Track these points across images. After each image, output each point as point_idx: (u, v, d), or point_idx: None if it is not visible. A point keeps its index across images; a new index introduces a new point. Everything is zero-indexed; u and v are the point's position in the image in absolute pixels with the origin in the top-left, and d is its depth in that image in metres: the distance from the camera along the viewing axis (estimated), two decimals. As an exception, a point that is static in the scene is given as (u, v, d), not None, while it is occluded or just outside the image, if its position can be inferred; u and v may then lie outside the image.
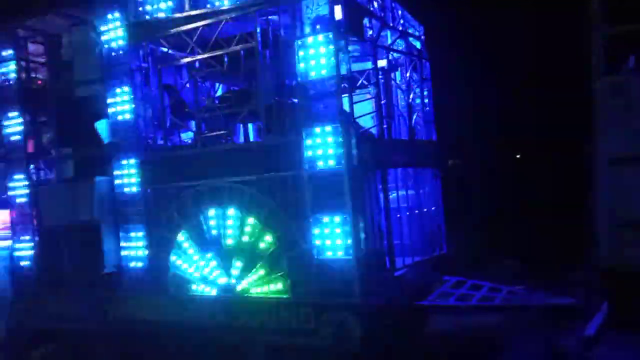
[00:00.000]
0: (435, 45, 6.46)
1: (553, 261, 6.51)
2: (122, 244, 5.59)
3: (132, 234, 5.55)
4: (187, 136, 5.98)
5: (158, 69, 5.58)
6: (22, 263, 6.24)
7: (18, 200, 6.28)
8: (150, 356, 5.67)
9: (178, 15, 5.33)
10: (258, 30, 4.92)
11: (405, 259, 5.42)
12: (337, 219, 4.53)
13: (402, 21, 6.31)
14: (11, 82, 6.34)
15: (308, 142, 4.62)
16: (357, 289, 4.48)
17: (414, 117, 6.00)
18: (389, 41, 5.88)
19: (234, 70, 5.21)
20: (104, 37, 5.66)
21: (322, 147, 4.58)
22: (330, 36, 4.56)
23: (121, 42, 5.57)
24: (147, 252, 5.48)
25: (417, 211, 5.76)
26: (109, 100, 5.60)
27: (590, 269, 4.56)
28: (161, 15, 5.41)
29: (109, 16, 5.65)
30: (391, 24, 5.95)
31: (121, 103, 5.56)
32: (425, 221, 5.99)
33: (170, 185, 5.38)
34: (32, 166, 6.39)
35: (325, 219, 4.57)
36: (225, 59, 5.26)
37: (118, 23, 5.60)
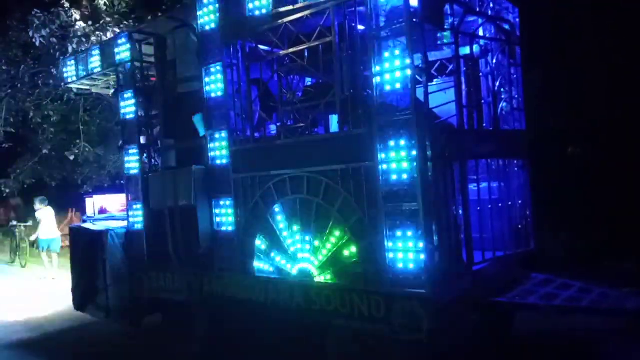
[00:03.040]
0: (535, 27, 6.07)
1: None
2: (215, 227, 6.11)
3: (223, 219, 6.05)
4: (274, 128, 6.32)
5: (247, 65, 5.96)
6: (135, 241, 7.08)
7: (132, 186, 7.12)
8: (238, 331, 6.18)
9: (268, 13, 5.60)
10: (335, 24, 5.05)
11: (486, 254, 5.27)
12: (409, 210, 4.55)
13: (492, 4, 6.04)
14: (128, 80, 7.16)
15: (381, 133, 4.68)
16: (428, 281, 4.48)
17: (501, 105, 5.74)
18: (475, 27, 5.66)
19: (314, 64, 5.40)
20: (200, 37, 6.16)
21: (395, 139, 4.62)
22: (404, 27, 4.55)
23: (216, 41, 6.03)
24: (235, 235, 5.93)
25: (500, 204, 5.53)
26: (205, 96, 6.10)
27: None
28: (256, 13, 5.72)
29: (206, 18, 6.15)
30: (477, 9, 5.74)
31: (215, 99, 6.05)
32: (512, 215, 5.73)
33: (256, 174, 5.76)
34: (144, 155, 7.19)
35: (397, 210, 4.61)
36: (306, 53, 5.47)
37: (213, 24, 6.07)
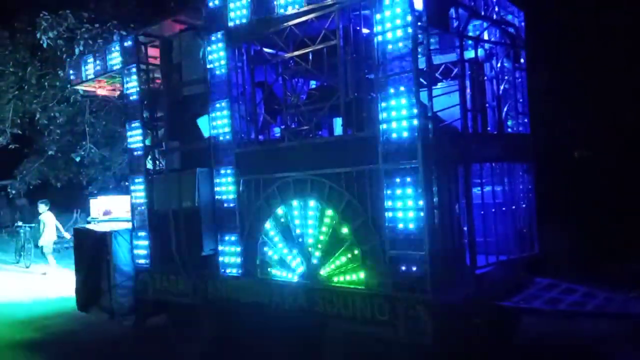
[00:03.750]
0: (541, 31, 6.07)
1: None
2: (218, 230, 6.12)
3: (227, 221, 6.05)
4: (279, 130, 6.34)
5: (251, 68, 5.98)
6: (139, 243, 7.11)
7: (136, 187, 7.15)
8: (243, 333, 6.18)
9: (273, 16, 5.61)
10: (340, 27, 5.06)
11: (490, 258, 5.26)
12: (411, 214, 4.55)
13: (497, 8, 6.04)
14: (135, 84, 7.20)
15: (384, 136, 4.68)
16: (430, 285, 4.47)
17: (505, 109, 5.73)
18: (480, 31, 5.67)
19: (318, 67, 5.41)
20: (205, 40, 6.18)
21: (398, 142, 4.62)
22: (409, 30, 4.56)
23: (221, 44, 6.05)
24: (239, 238, 5.93)
25: (504, 208, 5.52)
26: (210, 98, 6.13)
27: None
28: (261, 17, 5.71)
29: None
30: (483, 13, 5.73)
31: (219, 102, 6.07)
32: (516, 219, 5.72)
33: (260, 177, 5.77)
34: (149, 157, 7.22)
35: (399, 214, 4.61)
36: (310, 56, 5.48)
37: (218, 27, 6.09)
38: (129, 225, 7.31)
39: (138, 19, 13.05)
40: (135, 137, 7.19)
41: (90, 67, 8.03)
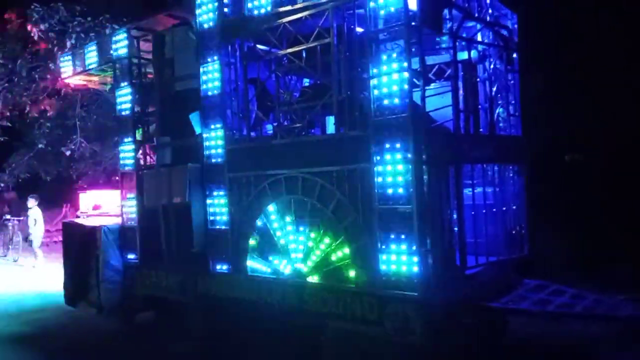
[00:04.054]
0: (534, 33, 6.08)
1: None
2: (209, 226, 6.09)
3: (217, 218, 6.03)
4: (271, 128, 6.31)
5: (244, 64, 5.95)
6: (129, 238, 7.06)
7: (127, 182, 7.10)
8: (232, 330, 6.16)
9: (267, 13, 5.59)
10: (334, 25, 5.05)
11: (479, 259, 5.27)
12: (403, 213, 4.54)
13: (490, 10, 6.05)
14: (125, 76, 7.15)
15: (376, 136, 4.68)
16: (420, 284, 4.48)
17: (497, 110, 5.75)
18: (474, 32, 5.68)
19: (312, 65, 5.40)
20: (199, 35, 6.15)
21: (389, 141, 4.62)
22: (403, 30, 4.55)
23: (214, 40, 6.01)
24: (229, 234, 5.91)
25: (494, 209, 5.54)
26: (202, 94, 6.09)
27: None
28: (255, 13, 5.69)
29: (205, 16, 6.13)
30: (476, 15, 5.74)
31: (212, 97, 6.03)
32: (506, 220, 5.74)
33: (251, 174, 5.74)
34: (140, 152, 7.17)
35: (391, 213, 4.61)
36: (304, 54, 5.46)
37: (212, 23, 6.05)
38: (118, 220, 7.26)
39: (131, 13, 12.95)
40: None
41: (81, 61, 7.95)
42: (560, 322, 4.95)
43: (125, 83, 7.14)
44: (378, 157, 4.66)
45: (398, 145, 4.57)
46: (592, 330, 4.78)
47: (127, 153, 7.15)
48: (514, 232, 5.78)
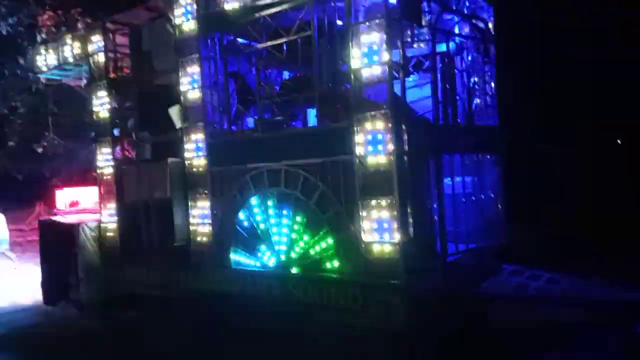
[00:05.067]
0: (509, 26, 6.21)
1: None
2: (191, 220, 6.07)
3: (199, 212, 6.01)
4: (252, 121, 6.31)
5: (224, 58, 5.93)
6: (109, 235, 6.98)
7: (105, 178, 7.01)
8: (216, 324, 6.15)
9: (246, 5, 5.56)
10: (315, 18, 5.07)
11: (459, 246, 5.40)
12: (385, 203, 4.62)
13: (467, 3, 6.16)
14: (101, 71, 7.03)
15: (358, 127, 4.74)
16: (403, 272, 4.57)
17: (475, 101, 5.87)
18: (452, 25, 5.78)
19: (293, 58, 5.41)
20: (177, 29, 6.09)
21: (372, 133, 4.68)
22: (383, 23, 4.61)
23: (193, 34, 5.97)
24: (212, 228, 5.90)
25: (473, 198, 5.67)
26: (182, 88, 6.05)
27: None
28: (234, 6, 5.67)
29: (183, 9, 6.08)
30: (454, 7, 5.84)
31: (192, 91, 6.00)
32: (485, 208, 5.88)
33: (233, 167, 5.74)
34: (117, 148, 7.08)
35: (373, 203, 4.68)
36: (285, 47, 5.47)
37: (190, 16, 6.00)
38: (97, 216, 7.17)
39: (102, 5, 12.69)
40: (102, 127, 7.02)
41: (55, 55, 7.79)
42: (536, 304, 5.11)
43: (102, 78, 7.02)
44: (360, 149, 4.72)
45: (380, 137, 4.64)
46: (568, 314, 4.95)
47: (104, 149, 7.04)
48: (492, 219, 5.93)
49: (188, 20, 6.02)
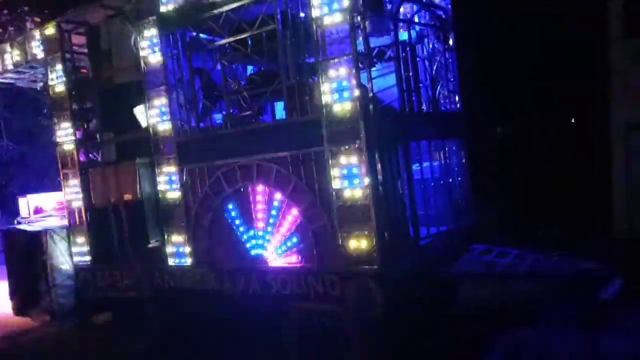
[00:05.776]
0: (467, 12, 6.36)
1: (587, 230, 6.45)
2: (162, 220, 6.02)
3: (172, 210, 5.96)
4: (220, 117, 6.28)
5: (188, 54, 5.87)
6: (78, 239, 6.83)
7: (70, 182, 6.83)
8: (192, 324, 6.14)
9: (205, 1, 5.51)
10: (278, 11, 5.09)
11: (430, 229, 5.57)
12: (357, 191, 4.72)
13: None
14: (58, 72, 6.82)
15: (328, 119, 4.80)
16: (378, 258, 4.69)
17: (438, 88, 6.03)
18: (412, 13, 5.89)
19: (258, 52, 5.41)
20: (137, 26, 5.98)
21: (340, 123, 4.75)
22: (346, 14, 4.67)
23: (154, 31, 5.87)
24: (184, 226, 5.87)
25: (441, 182, 5.85)
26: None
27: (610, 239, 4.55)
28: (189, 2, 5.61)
29: (141, 5, 5.96)
30: (413, -4, 5.95)
31: (156, 89, 5.91)
32: (452, 192, 6.07)
33: (204, 165, 5.72)
34: (81, 150, 6.90)
35: (346, 192, 4.77)
36: (249, 42, 5.46)
37: (150, 12, 5.89)
38: (64, 222, 7.00)
39: (52, 4, 12.22)
40: (64, 130, 6.84)
41: (8, 57, 7.50)
42: (506, 281, 5.33)
43: (59, 79, 6.82)
44: (330, 140, 4.79)
45: (349, 127, 4.72)
46: (535, 289, 5.18)
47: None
48: (459, 202, 6.13)
49: (147, 16, 5.90)
